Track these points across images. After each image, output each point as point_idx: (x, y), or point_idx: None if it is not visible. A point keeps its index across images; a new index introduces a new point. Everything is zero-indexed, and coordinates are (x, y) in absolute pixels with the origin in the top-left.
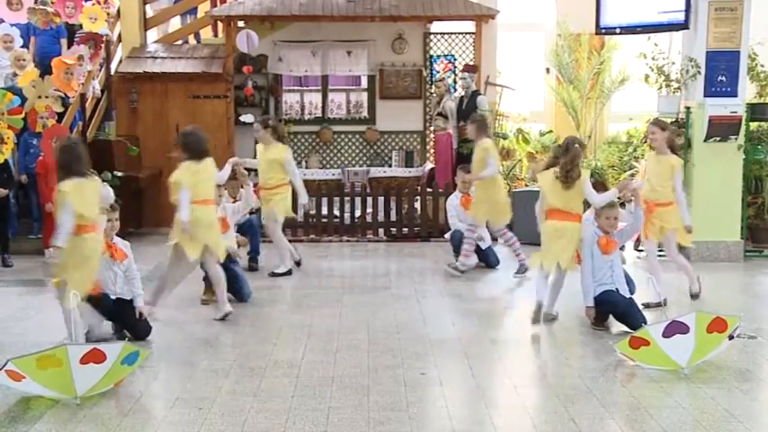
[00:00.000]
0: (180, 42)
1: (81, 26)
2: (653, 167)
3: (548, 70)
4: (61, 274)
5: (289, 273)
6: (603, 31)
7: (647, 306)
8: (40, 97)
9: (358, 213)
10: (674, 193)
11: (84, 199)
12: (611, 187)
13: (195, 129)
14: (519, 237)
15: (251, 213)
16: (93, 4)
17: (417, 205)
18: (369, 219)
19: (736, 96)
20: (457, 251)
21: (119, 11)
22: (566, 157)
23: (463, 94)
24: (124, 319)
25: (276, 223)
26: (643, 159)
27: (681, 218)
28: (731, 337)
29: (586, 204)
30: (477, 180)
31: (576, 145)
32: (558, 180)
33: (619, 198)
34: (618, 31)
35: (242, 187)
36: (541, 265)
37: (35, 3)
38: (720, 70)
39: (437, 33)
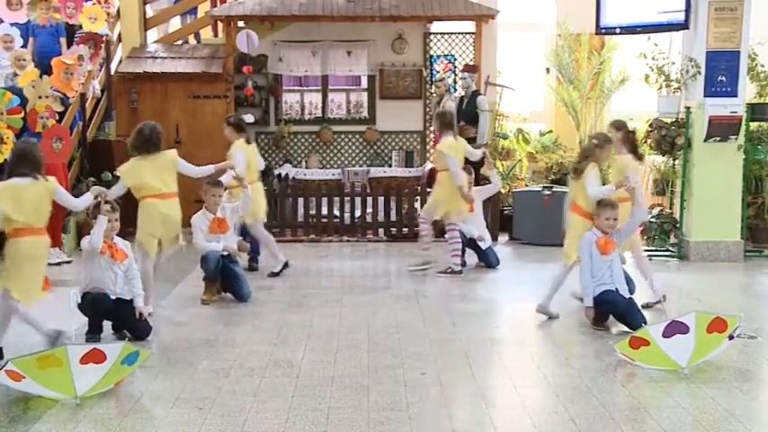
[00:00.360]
0: (180, 42)
1: (81, 26)
2: (613, 166)
3: (548, 70)
4: (4, 278)
5: (286, 266)
6: (603, 31)
7: (646, 306)
8: (40, 97)
9: (358, 213)
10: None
11: (17, 201)
12: None
13: (144, 125)
14: (518, 237)
15: None
16: (94, 4)
17: (417, 205)
18: (369, 219)
19: (736, 96)
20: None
21: (119, 11)
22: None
23: (463, 94)
24: (124, 319)
25: (254, 226)
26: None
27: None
28: (731, 337)
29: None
30: (470, 189)
31: (595, 140)
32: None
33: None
34: (618, 31)
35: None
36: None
37: None
38: (720, 70)
39: (437, 33)
